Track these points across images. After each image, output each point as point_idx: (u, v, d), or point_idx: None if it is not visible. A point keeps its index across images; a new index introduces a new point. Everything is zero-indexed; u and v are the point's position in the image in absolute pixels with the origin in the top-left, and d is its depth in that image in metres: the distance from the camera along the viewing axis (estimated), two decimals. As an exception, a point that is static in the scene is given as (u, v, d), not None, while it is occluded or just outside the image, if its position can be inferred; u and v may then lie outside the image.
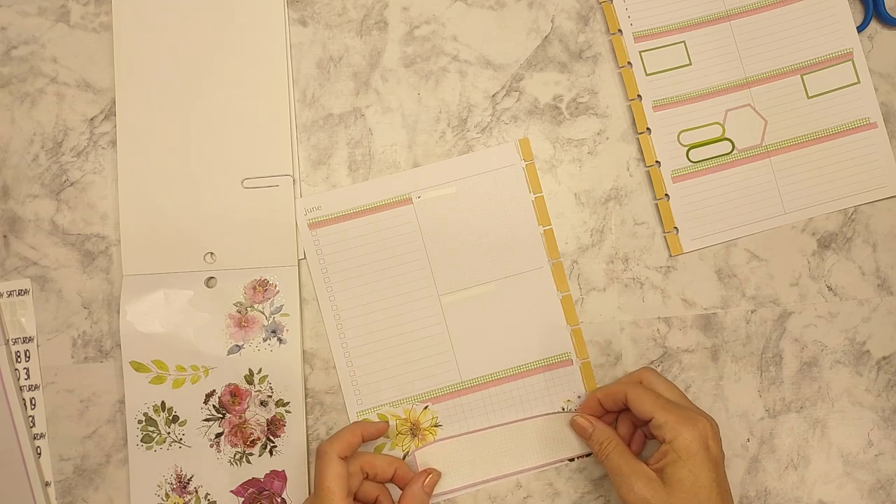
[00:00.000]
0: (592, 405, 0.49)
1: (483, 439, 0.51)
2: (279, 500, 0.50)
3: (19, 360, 0.50)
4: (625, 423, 0.49)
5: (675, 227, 0.52)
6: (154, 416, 0.50)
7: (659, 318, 0.52)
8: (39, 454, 0.50)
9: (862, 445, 0.52)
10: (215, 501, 0.50)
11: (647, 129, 0.53)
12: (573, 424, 0.50)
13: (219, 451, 0.50)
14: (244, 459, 0.50)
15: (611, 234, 0.53)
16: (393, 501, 0.48)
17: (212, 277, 0.51)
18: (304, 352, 0.51)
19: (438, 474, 0.49)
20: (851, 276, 0.53)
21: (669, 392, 0.47)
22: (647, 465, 0.44)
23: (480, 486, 0.50)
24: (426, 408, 0.51)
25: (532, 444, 0.51)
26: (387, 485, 0.49)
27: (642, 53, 0.53)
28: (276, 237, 0.51)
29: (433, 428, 0.51)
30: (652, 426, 0.45)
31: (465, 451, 0.50)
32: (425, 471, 0.49)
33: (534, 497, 0.51)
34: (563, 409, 0.51)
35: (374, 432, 0.48)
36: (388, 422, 0.50)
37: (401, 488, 0.49)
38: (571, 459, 0.51)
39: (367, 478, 0.47)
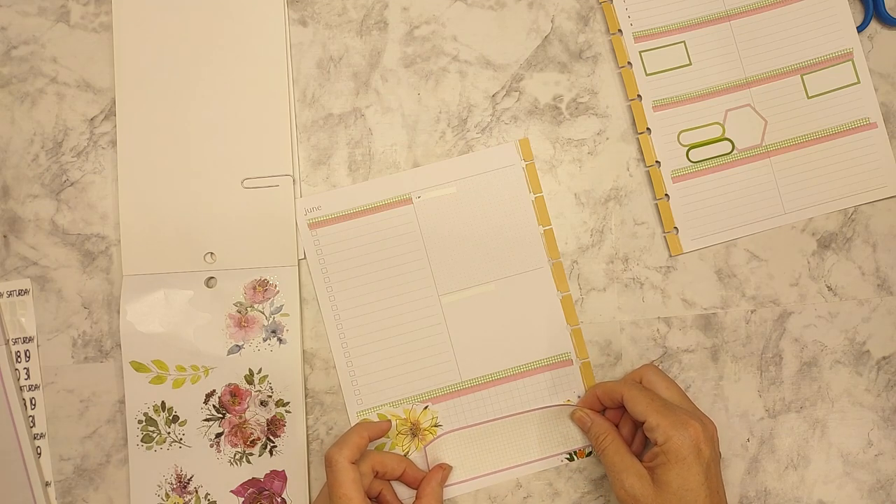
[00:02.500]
0: (591, 400, 0.49)
1: (489, 431, 0.51)
2: (279, 500, 0.50)
3: (19, 360, 0.50)
4: (627, 424, 0.49)
5: (675, 227, 0.52)
6: (154, 416, 0.50)
7: (659, 318, 0.52)
8: (39, 454, 0.50)
9: (862, 445, 0.52)
10: (215, 501, 0.50)
11: (647, 129, 0.53)
12: (573, 417, 0.50)
13: (219, 451, 0.50)
14: (244, 459, 0.50)
15: (611, 234, 0.53)
16: (396, 496, 0.48)
17: (212, 277, 0.51)
18: (304, 352, 0.51)
19: (450, 468, 0.50)
20: (851, 276, 0.53)
21: (669, 392, 0.47)
22: (641, 462, 0.45)
23: (487, 476, 0.50)
24: (426, 408, 0.51)
25: (537, 436, 0.51)
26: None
27: (642, 53, 0.53)
28: (276, 237, 0.51)
29: (433, 428, 0.51)
30: (645, 428, 0.45)
31: (472, 443, 0.50)
32: (440, 466, 0.49)
33: (534, 497, 0.51)
34: (569, 402, 0.51)
35: (378, 432, 0.48)
36: (390, 420, 0.50)
37: (409, 486, 0.49)
38: (573, 456, 0.51)
39: (376, 476, 0.47)
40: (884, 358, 0.53)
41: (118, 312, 0.50)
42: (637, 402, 0.45)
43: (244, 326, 0.50)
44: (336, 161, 0.52)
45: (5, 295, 0.51)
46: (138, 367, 0.50)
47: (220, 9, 0.52)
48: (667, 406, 0.45)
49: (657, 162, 0.53)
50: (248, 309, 0.51)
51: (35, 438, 0.50)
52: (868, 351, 0.53)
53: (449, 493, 0.50)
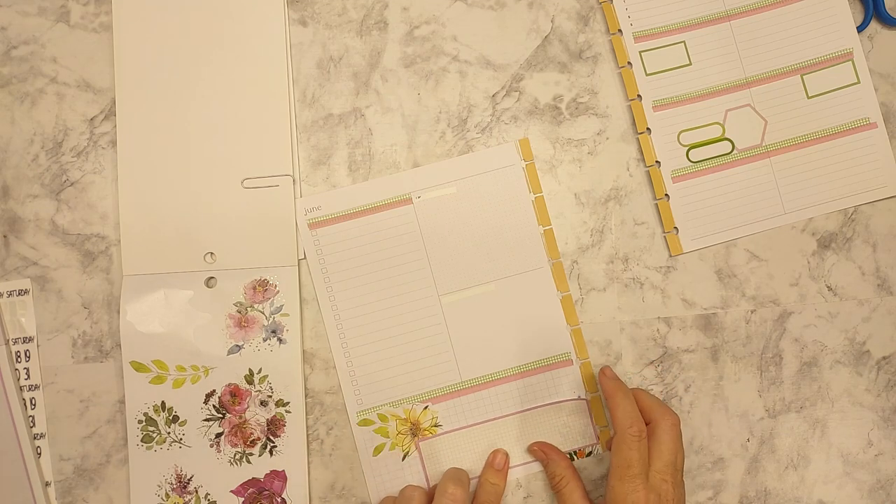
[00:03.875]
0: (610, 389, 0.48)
1: (489, 431, 0.51)
2: (279, 500, 0.50)
3: (19, 360, 0.50)
4: None
5: (675, 227, 0.52)
6: (154, 416, 0.50)
7: (659, 318, 0.52)
8: (39, 454, 0.50)
9: (862, 445, 0.52)
10: (215, 501, 0.50)
11: (647, 129, 0.53)
12: (529, 450, 0.50)
13: (219, 451, 0.50)
14: (244, 459, 0.50)
15: (611, 234, 0.53)
16: None
17: (212, 277, 0.51)
18: (304, 352, 0.51)
19: (505, 452, 0.50)
20: (851, 276, 0.53)
21: (659, 457, 0.44)
22: None
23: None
24: (426, 408, 0.51)
25: (537, 436, 0.51)
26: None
27: (642, 53, 0.53)
28: (276, 237, 0.51)
29: (433, 428, 0.51)
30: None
31: (472, 443, 0.50)
32: (492, 453, 0.50)
33: (534, 497, 0.51)
34: (579, 397, 0.51)
35: None
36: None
37: None
38: (573, 456, 0.51)
39: None
40: (884, 358, 0.53)
41: (118, 312, 0.50)
42: (614, 451, 0.45)
43: (244, 326, 0.50)
44: (336, 161, 0.52)
45: (5, 295, 0.51)
46: (138, 367, 0.50)
47: (220, 9, 0.52)
48: (629, 475, 0.44)
49: (657, 162, 0.53)
50: (248, 309, 0.51)
51: (35, 438, 0.50)
52: (868, 351, 0.53)
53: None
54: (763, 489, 0.52)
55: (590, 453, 0.51)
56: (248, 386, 0.50)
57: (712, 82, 0.53)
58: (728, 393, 0.52)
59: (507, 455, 0.50)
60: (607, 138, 0.53)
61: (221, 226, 0.51)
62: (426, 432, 0.51)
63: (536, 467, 0.51)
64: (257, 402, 0.50)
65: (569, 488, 0.47)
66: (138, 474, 0.50)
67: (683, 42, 0.53)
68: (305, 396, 0.51)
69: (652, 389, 0.52)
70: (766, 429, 0.52)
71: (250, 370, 0.50)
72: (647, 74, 0.53)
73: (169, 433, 0.50)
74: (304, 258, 0.51)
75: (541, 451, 0.50)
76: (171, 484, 0.50)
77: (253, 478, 0.50)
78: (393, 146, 0.52)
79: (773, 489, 0.52)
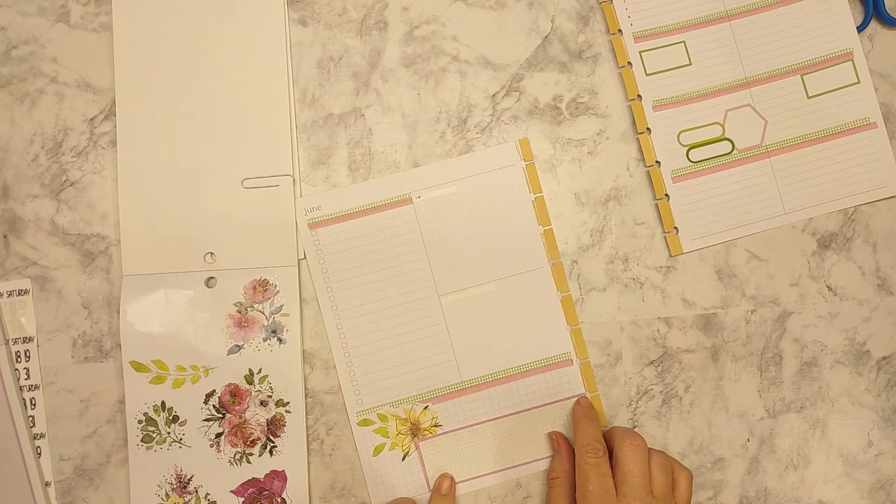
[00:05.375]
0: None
1: (489, 431, 0.51)
2: (279, 500, 0.50)
3: (19, 360, 0.50)
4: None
5: (675, 227, 0.52)
6: (154, 416, 0.50)
7: (659, 318, 0.52)
8: (39, 454, 0.50)
9: (862, 445, 0.52)
10: (215, 501, 0.50)
11: (647, 129, 0.53)
12: (549, 435, 0.51)
13: (219, 451, 0.50)
14: (244, 459, 0.50)
15: (611, 234, 0.53)
16: None
17: (212, 277, 0.51)
18: (304, 352, 0.51)
19: (451, 476, 0.50)
20: (851, 276, 0.53)
21: (624, 484, 0.44)
22: None
23: (487, 476, 0.50)
24: (426, 408, 0.51)
25: (537, 436, 0.51)
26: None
27: (642, 53, 0.53)
28: (276, 237, 0.51)
29: (433, 428, 0.51)
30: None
31: (472, 443, 0.50)
32: (439, 478, 0.50)
33: (534, 497, 0.51)
34: (577, 395, 0.51)
35: None
36: None
37: None
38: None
39: None
40: (884, 358, 0.53)
41: (118, 312, 0.50)
42: (577, 472, 0.46)
43: (244, 326, 0.50)
44: (336, 161, 0.52)
45: (5, 295, 0.51)
46: (138, 367, 0.50)
47: (220, 9, 0.52)
48: (586, 494, 0.44)
49: (657, 162, 0.53)
50: (248, 309, 0.51)
51: (35, 438, 0.50)
52: (868, 351, 0.53)
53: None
54: (763, 489, 0.52)
55: (590, 453, 0.51)
56: (248, 386, 0.50)
57: (712, 82, 0.53)
58: (728, 393, 0.52)
59: (452, 480, 0.50)
60: (607, 138, 0.53)
61: (221, 226, 0.51)
62: (426, 432, 0.51)
63: (536, 467, 0.51)
64: (257, 402, 0.50)
65: (558, 491, 0.48)
66: (138, 474, 0.50)
67: (683, 42, 0.53)
68: (305, 396, 0.51)
69: (652, 389, 0.52)
70: (766, 429, 0.52)
71: (250, 370, 0.50)
72: (647, 74, 0.53)
73: (169, 433, 0.50)
74: (304, 258, 0.51)
75: (554, 442, 0.50)
76: (171, 484, 0.50)
77: (253, 478, 0.50)
78: (393, 146, 0.52)
79: (773, 489, 0.52)
